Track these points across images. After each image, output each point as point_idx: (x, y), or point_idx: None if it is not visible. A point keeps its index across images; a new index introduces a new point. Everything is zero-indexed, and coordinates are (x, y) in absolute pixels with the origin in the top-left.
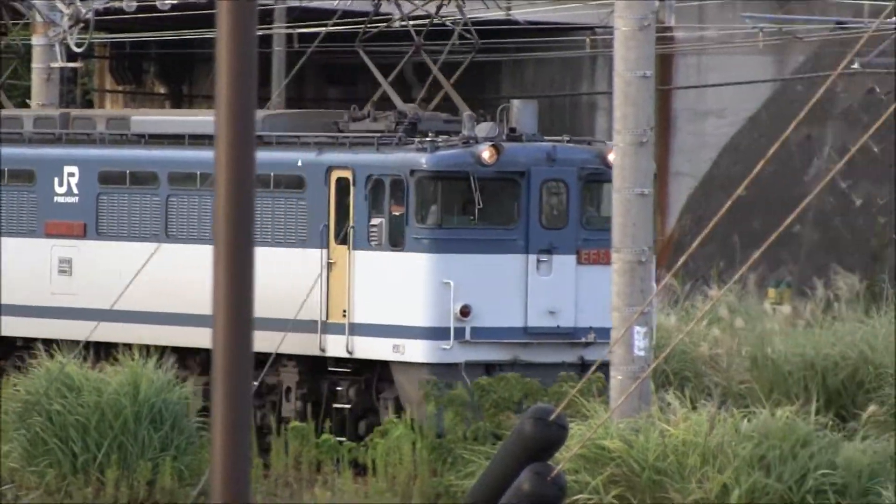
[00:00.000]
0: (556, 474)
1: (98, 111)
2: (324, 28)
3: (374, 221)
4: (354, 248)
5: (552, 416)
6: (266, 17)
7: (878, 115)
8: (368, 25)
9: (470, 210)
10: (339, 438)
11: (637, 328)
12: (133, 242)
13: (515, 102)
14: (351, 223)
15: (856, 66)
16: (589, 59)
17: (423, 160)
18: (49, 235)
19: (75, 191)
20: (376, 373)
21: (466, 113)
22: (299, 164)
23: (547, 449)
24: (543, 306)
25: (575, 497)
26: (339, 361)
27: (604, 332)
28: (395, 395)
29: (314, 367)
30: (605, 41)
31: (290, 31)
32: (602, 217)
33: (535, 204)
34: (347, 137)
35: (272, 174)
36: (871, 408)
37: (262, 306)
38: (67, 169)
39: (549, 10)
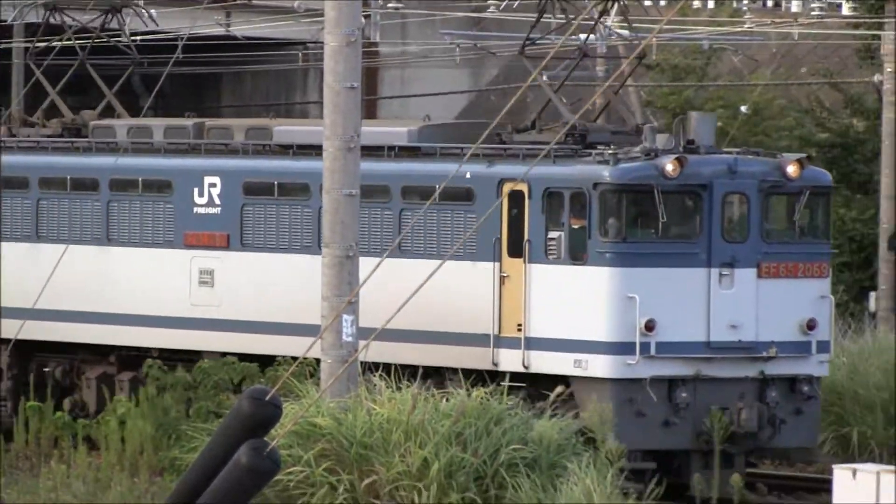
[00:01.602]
0: (271, 449)
1: (235, 121)
2: (59, 42)
3: (552, 235)
4: (530, 262)
5: (268, 396)
6: (5, 32)
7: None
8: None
9: (652, 223)
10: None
11: (345, 316)
12: (281, 254)
13: (693, 114)
14: (527, 236)
15: (544, 78)
16: (301, 71)
17: (606, 173)
18: (188, 246)
19: (217, 201)
20: (551, 388)
21: (648, 125)
22: (468, 176)
23: (263, 426)
24: (725, 320)
25: (289, 470)
26: (510, 376)
27: (785, 346)
28: (575, 409)
29: (479, 381)
30: (317, 55)
31: (27, 44)
32: (781, 230)
33: (716, 217)
34: (521, 149)
35: (437, 186)
36: (559, 388)
37: (429, 319)
38: (208, 179)
39: (265, 26)
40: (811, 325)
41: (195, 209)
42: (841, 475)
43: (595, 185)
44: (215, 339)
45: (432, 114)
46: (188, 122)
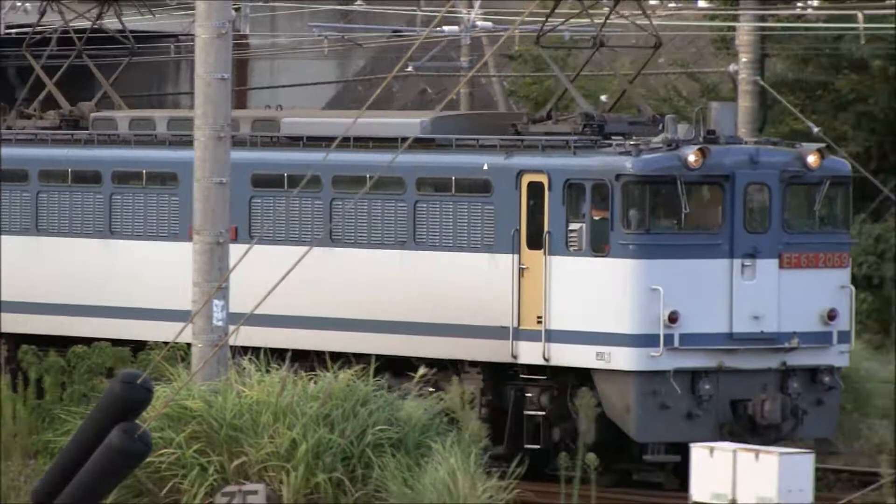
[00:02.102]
0: (143, 431)
1: (243, 112)
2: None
3: (573, 226)
4: (551, 254)
5: (139, 380)
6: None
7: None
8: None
9: (675, 214)
10: (533, 446)
11: (216, 301)
12: (291, 246)
13: (714, 104)
14: (546, 228)
15: (410, 69)
16: (174, 63)
17: (629, 164)
18: None
19: None
20: (571, 380)
21: (669, 116)
22: (485, 167)
23: (134, 409)
24: (747, 312)
25: (160, 452)
26: (529, 368)
27: (806, 337)
28: (596, 402)
29: (496, 374)
30: (188, 47)
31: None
32: (802, 220)
33: (739, 207)
34: (540, 140)
35: (453, 178)
36: (422, 369)
37: (445, 312)
38: None
39: (136, 19)
40: (832, 316)
41: None
42: (699, 453)
43: (617, 176)
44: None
45: (302, 103)
46: (192, 113)
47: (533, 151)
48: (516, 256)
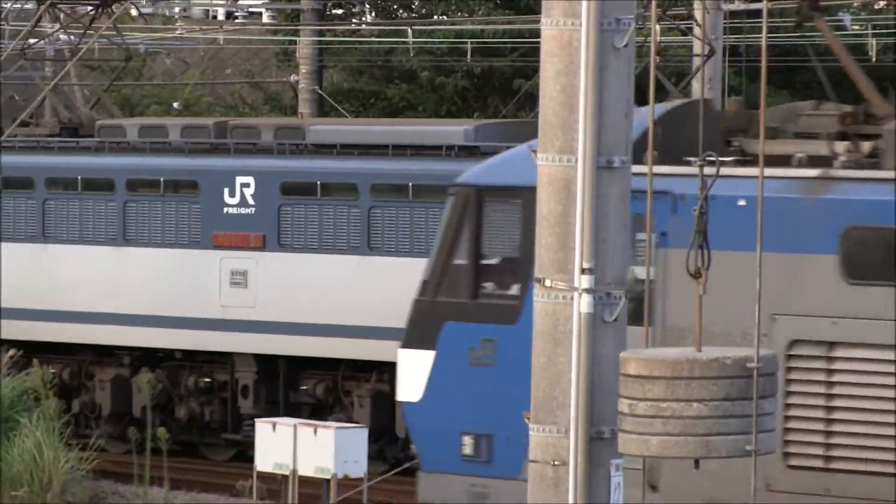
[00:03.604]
0: None
1: (262, 120)
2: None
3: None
4: None
5: None
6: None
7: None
8: None
9: None
10: None
11: None
12: (325, 255)
13: None
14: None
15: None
16: None
17: None
18: (218, 247)
19: (251, 202)
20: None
21: None
22: None
23: None
24: None
25: None
26: None
27: None
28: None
29: None
30: None
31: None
32: None
33: None
34: None
35: None
36: (11, 351)
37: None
38: (240, 179)
39: None
40: None
41: (225, 209)
42: (262, 427)
43: None
44: (247, 341)
45: None
46: (208, 121)
47: None
48: None
